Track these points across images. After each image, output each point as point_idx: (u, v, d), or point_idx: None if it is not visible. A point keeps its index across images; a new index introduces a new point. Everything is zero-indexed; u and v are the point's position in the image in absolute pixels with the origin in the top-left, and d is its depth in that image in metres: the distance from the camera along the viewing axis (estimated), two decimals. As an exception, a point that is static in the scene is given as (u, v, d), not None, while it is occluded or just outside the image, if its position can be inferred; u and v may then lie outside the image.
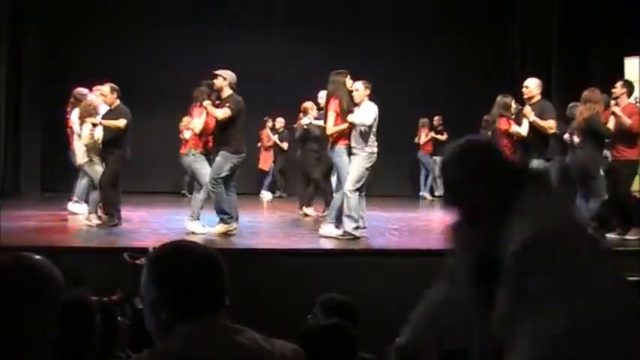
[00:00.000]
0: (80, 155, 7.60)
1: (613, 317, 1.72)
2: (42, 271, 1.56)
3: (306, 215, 8.74)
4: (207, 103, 6.74)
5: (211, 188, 6.69)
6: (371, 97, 6.96)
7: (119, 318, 3.00)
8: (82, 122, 7.43)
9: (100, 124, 7.24)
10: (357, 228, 6.53)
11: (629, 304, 1.78)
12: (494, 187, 1.86)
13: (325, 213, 7.69)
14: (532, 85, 7.02)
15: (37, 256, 1.59)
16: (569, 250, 1.76)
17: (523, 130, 6.92)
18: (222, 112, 6.65)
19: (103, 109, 7.45)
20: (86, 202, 7.85)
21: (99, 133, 7.27)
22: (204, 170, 6.90)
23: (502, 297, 1.78)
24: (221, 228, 6.64)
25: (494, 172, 1.88)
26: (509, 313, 1.76)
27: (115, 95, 7.28)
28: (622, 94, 6.96)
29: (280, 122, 11.65)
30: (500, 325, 1.79)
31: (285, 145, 11.58)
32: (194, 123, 7.00)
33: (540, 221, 1.77)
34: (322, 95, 7.87)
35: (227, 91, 6.78)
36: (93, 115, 7.33)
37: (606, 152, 7.16)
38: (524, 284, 1.72)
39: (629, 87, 7.11)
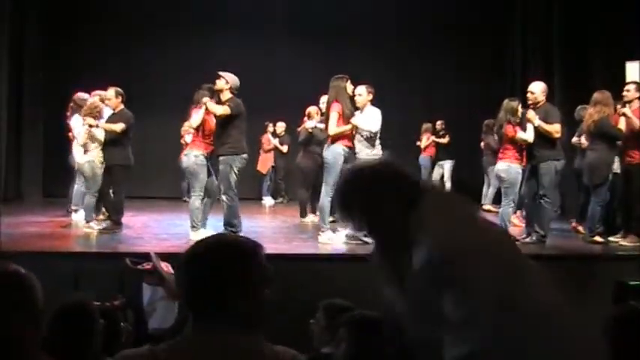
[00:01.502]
0: (77, 157, 7.62)
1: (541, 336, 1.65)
2: (24, 281, 1.61)
3: (302, 222, 8.71)
4: (206, 99, 6.71)
5: (226, 201, 6.68)
6: (372, 101, 6.98)
7: (122, 324, 3.00)
8: (83, 123, 7.46)
9: (97, 126, 7.27)
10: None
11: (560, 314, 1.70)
12: (387, 208, 1.85)
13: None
14: (537, 91, 6.82)
15: (15, 265, 1.64)
16: (474, 269, 1.68)
17: (529, 136, 6.69)
18: (222, 109, 6.64)
19: (109, 113, 7.48)
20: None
21: (100, 135, 7.30)
22: (202, 175, 6.80)
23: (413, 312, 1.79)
24: None
25: (386, 194, 1.86)
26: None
27: (120, 99, 7.35)
28: (635, 98, 6.85)
29: (281, 126, 11.66)
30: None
31: (284, 148, 11.58)
32: (192, 119, 6.94)
33: (442, 241, 1.72)
34: (324, 100, 7.85)
35: (227, 95, 6.77)
36: (96, 117, 7.35)
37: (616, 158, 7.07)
38: (430, 305, 1.71)
39: None
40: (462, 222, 1.81)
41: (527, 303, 1.68)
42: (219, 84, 6.79)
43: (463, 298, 1.66)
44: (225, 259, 1.60)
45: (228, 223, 6.71)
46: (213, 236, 1.75)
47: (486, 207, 10.28)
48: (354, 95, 6.97)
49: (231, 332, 1.56)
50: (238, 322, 1.57)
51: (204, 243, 1.67)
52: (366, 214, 1.90)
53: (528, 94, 6.91)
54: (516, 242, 1.78)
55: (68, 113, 8.16)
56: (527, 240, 6.77)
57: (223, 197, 6.71)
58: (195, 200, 6.79)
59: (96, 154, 7.35)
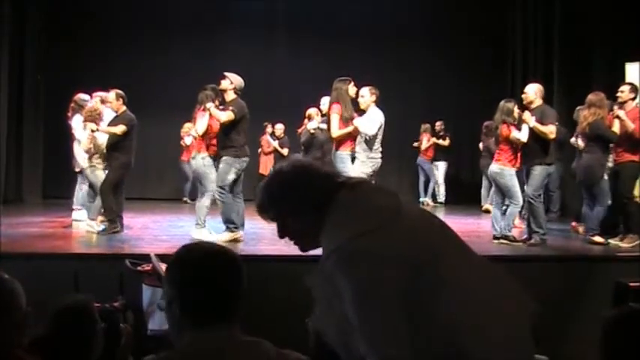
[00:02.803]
0: (81, 160, 7.59)
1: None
2: (4, 286, 1.62)
3: None
4: (210, 105, 6.73)
5: (218, 197, 6.69)
6: (376, 102, 6.99)
7: (122, 325, 2.99)
8: (84, 127, 7.46)
9: (97, 130, 7.26)
10: None
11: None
12: (300, 207, 1.85)
13: None
14: (530, 92, 6.94)
15: None
16: (367, 272, 1.67)
17: (523, 136, 6.77)
18: (226, 115, 6.65)
19: (110, 114, 7.46)
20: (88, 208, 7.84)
21: (102, 139, 7.29)
22: (212, 175, 6.85)
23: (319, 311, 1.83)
24: (227, 236, 6.63)
25: (298, 206, 1.85)
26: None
27: (121, 102, 7.30)
28: (630, 99, 6.89)
29: (280, 128, 11.67)
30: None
31: (285, 151, 11.58)
32: (197, 125, 6.96)
33: (341, 239, 1.72)
34: (325, 102, 7.87)
35: (231, 95, 6.79)
36: (96, 120, 7.34)
37: (610, 157, 7.10)
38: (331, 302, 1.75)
39: (637, 91, 6.99)
40: (364, 223, 1.75)
41: (437, 321, 1.67)
42: (224, 84, 6.80)
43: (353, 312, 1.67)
44: (235, 272, 1.61)
45: (227, 220, 6.72)
46: (195, 244, 1.79)
47: (485, 207, 10.28)
48: (357, 98, 6.98)
49: (229, 334, 1.54)
50: (233, 324, 1.56)
51: (190, 250, 1.71)
52: (284, 226, 1.90)
53: (523, 95, 7.03)
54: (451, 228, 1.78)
55: (69, 114, 8.17)
56: (529, 241, 6.78)
57: (216, 194, 6.73)
58: (207, 200, 6.83)
59: (98, 160, 7.36)
